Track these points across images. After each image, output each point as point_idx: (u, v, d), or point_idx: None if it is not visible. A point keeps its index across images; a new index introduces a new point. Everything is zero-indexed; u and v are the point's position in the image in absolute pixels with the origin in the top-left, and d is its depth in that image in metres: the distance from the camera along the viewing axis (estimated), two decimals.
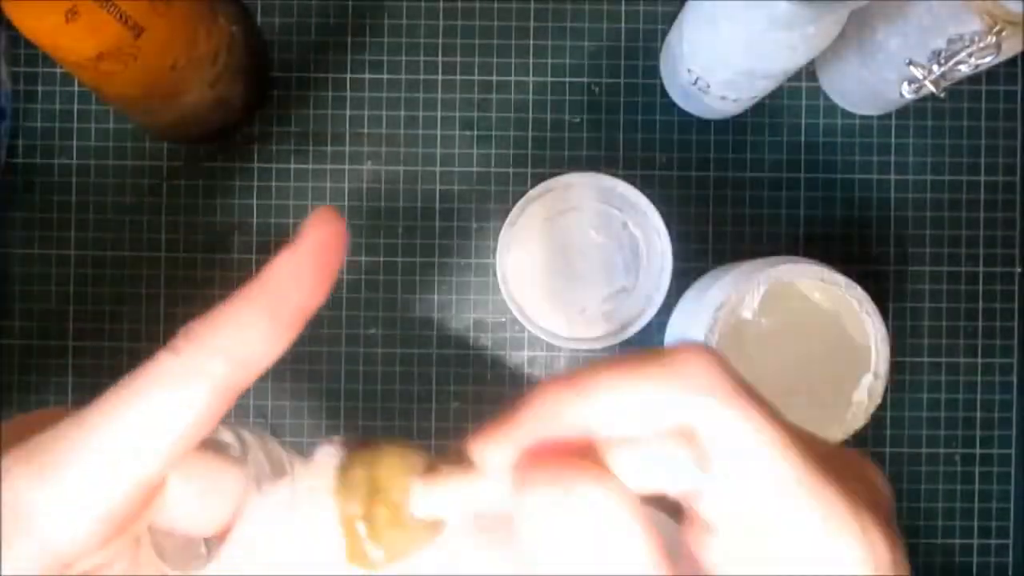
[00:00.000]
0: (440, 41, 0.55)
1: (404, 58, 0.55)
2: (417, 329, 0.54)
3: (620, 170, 0.54)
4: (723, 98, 0.49)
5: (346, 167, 0.54)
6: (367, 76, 0.55)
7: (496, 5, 0.55)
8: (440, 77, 0.55)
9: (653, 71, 0.54)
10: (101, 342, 0.54)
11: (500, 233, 0.53)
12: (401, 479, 0.20)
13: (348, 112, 0.54)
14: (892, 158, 0.55)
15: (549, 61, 0.55)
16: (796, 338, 0.51)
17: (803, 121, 0.54)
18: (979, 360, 0.54)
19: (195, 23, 0.45)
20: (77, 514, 0.18)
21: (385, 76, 0.55)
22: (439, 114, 0.55)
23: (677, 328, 0.51)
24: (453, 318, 0.54)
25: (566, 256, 0.54)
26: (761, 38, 0.41)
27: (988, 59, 0.42)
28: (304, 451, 0.23)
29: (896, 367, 0.53)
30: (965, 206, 0.55)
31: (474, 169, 0.54)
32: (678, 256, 0.54)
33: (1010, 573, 0.54)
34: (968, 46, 0.42)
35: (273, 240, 0.54)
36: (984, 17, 0.40)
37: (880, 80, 0.48)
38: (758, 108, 0.54)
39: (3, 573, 0.17)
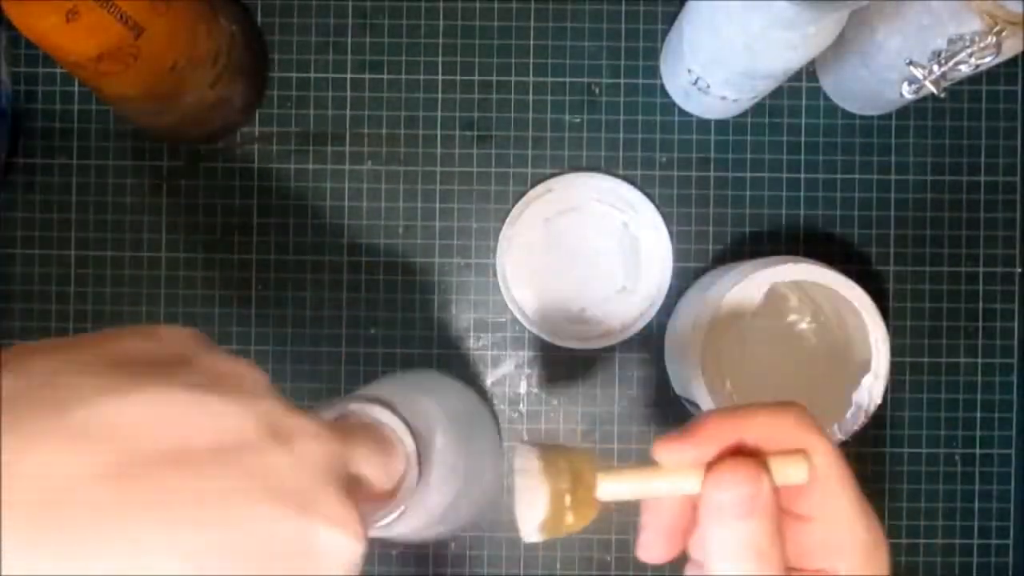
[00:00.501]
0: (440, 41, 0.55)
1: (404, 58, 0.55)
2: (417, 329, 0.54)
3: (620, 170, 0.54)
4: (723, 98, 0.49)
5: (346, 167, 0.54)
6: (367, 76, 0.55)
7: (496, 5, 0.55)
8: (440, 77, 0.55)
9: (653, 71, 0.54)
10: None
11: (500, 233, 0.53)
12: (592, 471, 0.28)
13: (348, 112, 0.54)
14: (892, 158, 0.55)
15: (549, 61, 0.55)
16: (796, 338, 0.51)
17: (803, 121, 0.54)
18: (979, 360, 0.54)
19: (195, 23, 0.45)
20: None
21: (385, 76, 0.55)
22: (439, 114, 0.55)
23: (677, 328, 0.51)
24: (453, 318, 0.54)
25: (566, 256, 0.54)
26: (761, 38, 0.41)
27: (988, 59, 0.42)
28: None
29: (896, 367, 0.53)
30: (965, 206, 0.55)
31: (474, 169, 0.54)
32: (678, 256, 0.54)
33: (1010, 573, 0.54)
34: (968, 46, 0.42)
35: (273, 240, 0.54)
36: (984, 17, 0.40)
37: (880, 80, 0.48)
38: (758, 108, 0.54)
39: None
